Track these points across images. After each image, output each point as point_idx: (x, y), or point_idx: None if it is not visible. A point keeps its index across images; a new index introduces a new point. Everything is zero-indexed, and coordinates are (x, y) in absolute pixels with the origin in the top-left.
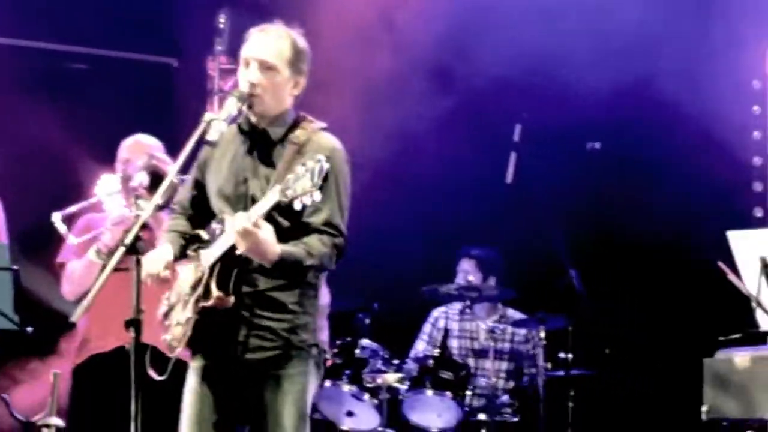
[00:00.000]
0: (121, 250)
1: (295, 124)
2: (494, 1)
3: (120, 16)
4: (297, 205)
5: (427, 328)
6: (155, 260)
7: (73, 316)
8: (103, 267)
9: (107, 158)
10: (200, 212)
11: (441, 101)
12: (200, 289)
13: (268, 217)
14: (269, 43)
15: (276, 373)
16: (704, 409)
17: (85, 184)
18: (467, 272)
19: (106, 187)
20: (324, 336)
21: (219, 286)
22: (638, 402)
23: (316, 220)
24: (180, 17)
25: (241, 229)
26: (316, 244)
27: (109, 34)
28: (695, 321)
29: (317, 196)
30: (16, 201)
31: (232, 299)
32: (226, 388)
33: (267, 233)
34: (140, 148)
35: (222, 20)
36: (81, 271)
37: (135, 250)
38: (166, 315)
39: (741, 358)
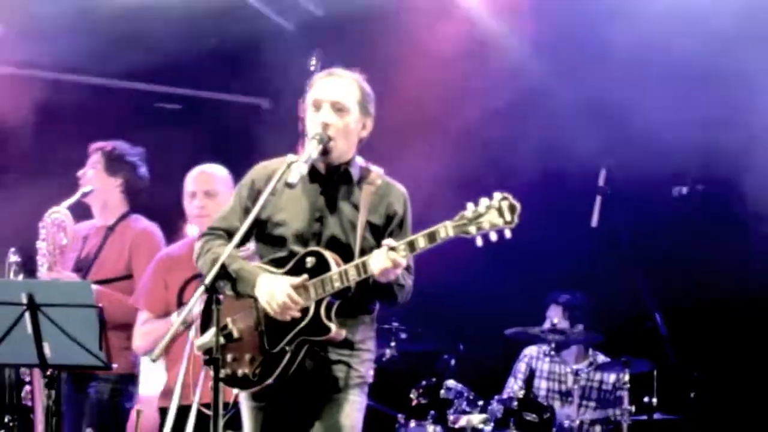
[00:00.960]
0: (201, 289)
1: (364, 167)
2: (574, 48)
3: (212, 57)
4: (479, 241)
5: (520, 366)
6: (282, 288)
7: (152, 355)
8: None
9: None
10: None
11: (526, 145)
12: (305, 323)
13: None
14: (339, 85)
15: (337, 397)
16: None
17: (177, 224)
18: (553, 318)
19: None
20: None
21: (328, 320)
22: None
23: None
24: (271, 59)
25: (390, 264)
26: (404, 275)
27: (201, 75)
28: None
29: (508, 233)
30: None
31: (344, 332)
32: (288, 418)
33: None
34: (205, 180)
35: (313, 62)
36: (161, 333)
37: (214, 289)
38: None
39: None
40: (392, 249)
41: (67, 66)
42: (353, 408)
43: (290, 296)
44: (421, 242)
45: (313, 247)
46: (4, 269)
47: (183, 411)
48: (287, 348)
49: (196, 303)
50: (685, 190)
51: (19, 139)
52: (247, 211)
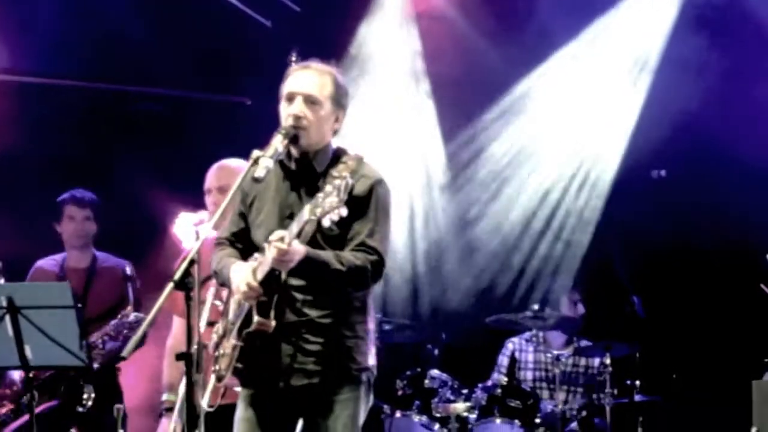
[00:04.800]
0: (170, 286)
1: (335, 158)
2: None
3: (192, 56)
4: (325, 222)
5: (503, 360)
6: (244, 270)
7: (124, 351)
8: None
9: (184, 195)
10: (245, 245)
11: None
12: (242, 317)
13: (313, 244)
14: (313, 78)
15: (328, 399)
16: (753, 430)
17: (164, 221)
18: (577, 302)
19: (184, 224)
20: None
21: (259, 312)
22: (707, 426)
23: (353, 243)
24: (252, 56)
25: (276, 254)
26: (346, 255)
27: (182, 75)
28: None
29: (344, 211)
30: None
31: (273, 324)
32: (277, 415)
33: (296, 245)
34: (220, 176)
35: (293, 59)
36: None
37: (184, 286)
38: (216, 347)
39: None
40: (281, 239)
41: (47, 71)
42: (344, 408)
43: (248, 282)
44: (294, 228)
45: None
46: None
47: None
48: (234, 341)
49: (164, 300)
50: (663, 172)
51: (2, 145)
52: (242, 215)
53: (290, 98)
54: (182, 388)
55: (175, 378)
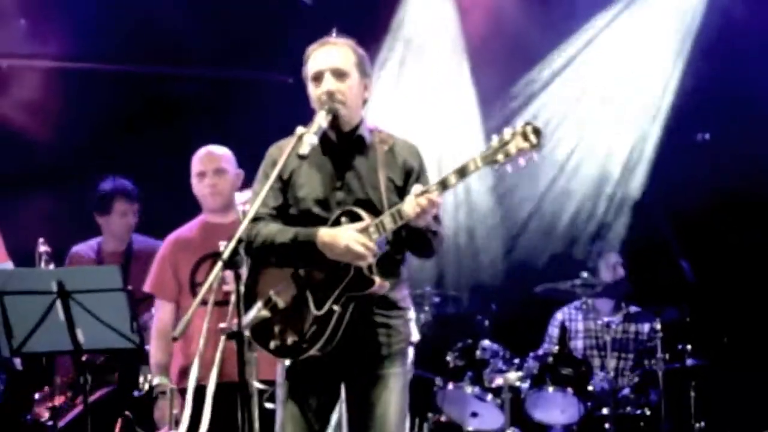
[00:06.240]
0: (220, 265)
1: (374, 129)
2: None
3: (233, 35)
4: (510, 168)
5: (553, 331)
6: (349, 232)
7: (175, 331)
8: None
9: None
10: (283, 220)
11: None
12: (348, 279)
13: (377, 212)
14: (335, 52)
15: (381, 372)
16: None
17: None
18: (616, 265)
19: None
20: None
21: (370, 273)
22: (759, 389)
23: None
24: (292, 34)
25: (427, 205)
26: (434, 224)
27: (223, 56)
28: None
29: (536, 157)
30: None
31: (387, 284)
32: (327, 390)
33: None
34: (213, 158)
35: (333, 35)
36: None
37: (233, 264)
38: (264, 325)
39: None
40: (424, 192)
41: (92, 55)
42: (397, 382)
43: (363, 243)
44: (453, 179)
45: (345, 207)
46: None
47: (201, 391)
48: (335, 307)
49: (214, 280)
50: (708, 135)
51: (45, 131)
52: (281, 190)
53: (318, 77)
54: (195, 369)
55: (163, 360)
